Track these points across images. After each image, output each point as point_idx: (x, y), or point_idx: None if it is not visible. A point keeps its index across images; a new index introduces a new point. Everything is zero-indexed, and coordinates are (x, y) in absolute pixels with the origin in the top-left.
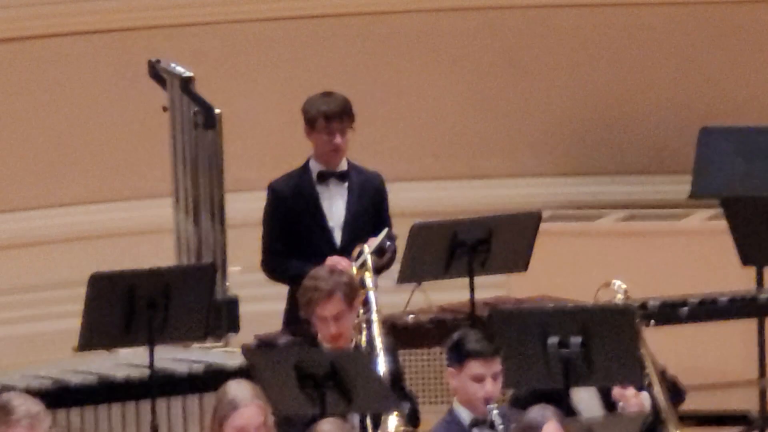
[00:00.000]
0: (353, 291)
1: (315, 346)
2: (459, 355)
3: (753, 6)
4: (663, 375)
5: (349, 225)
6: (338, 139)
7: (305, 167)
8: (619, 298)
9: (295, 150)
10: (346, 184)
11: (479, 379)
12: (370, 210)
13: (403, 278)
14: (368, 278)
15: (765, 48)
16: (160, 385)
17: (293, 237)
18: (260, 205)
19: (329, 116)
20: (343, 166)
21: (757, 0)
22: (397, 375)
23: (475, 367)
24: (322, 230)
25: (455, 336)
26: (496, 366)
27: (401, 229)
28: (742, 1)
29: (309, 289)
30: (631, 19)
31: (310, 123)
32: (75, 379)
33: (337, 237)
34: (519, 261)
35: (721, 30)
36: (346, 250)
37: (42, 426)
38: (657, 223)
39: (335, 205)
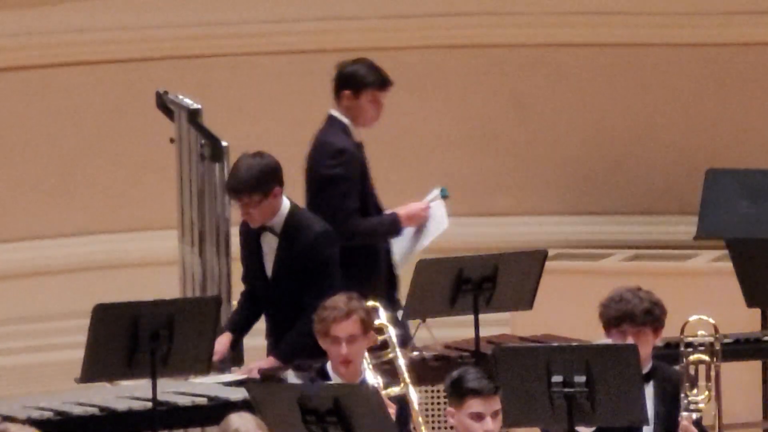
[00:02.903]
0: (370, 320)
1: (325, 378)
2: (458, 393)
3: (760, 48)
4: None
5: (275, 278)
6: (246, 214)
7: None
8: (702, 334)
9: (300, 183)
10: (277, 239)
11: (479, 417)
12: (297, 266)
13: (408, 314)
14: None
15: None
16: (163, 418)
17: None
18: None
19: (229, 193)
20: (277, 223)
21: (763, 42)
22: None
23: (474, 405)
24: (260, 277)
25: (454, 374)
26: (496, 404)
27: (407, 266)
28: (749, 43)
29: (326, 308)
30: (639, 60)
31: None
32: (77, 411)
33: (271, 285)
34: (524, 299)
35: (727, 72)
36: (275, 298)
37: None
38: (662, 263)
39: (269, 257)
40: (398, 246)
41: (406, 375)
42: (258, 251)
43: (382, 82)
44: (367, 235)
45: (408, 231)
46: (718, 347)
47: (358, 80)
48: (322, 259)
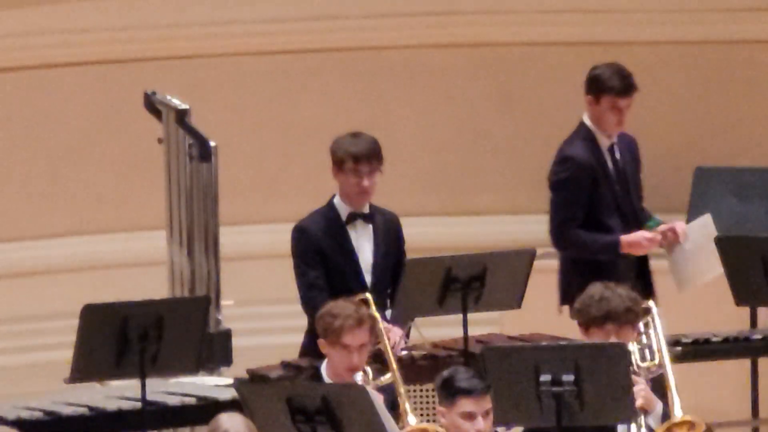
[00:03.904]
0: (375, 324)
1: (318, 380)
2: (449, 393)
3: (748, 46)
4: None
5: (377, 267)
6: (366, 182)
7: (331, 207)
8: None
9: (289, 183)
10: (371, 225)
11: (470, 417)
12: (393, 251)
13: (397, 313)
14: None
15: (760, 88)
16: (152, 418)
17: (326, 276)
18: (254, 238)
19: (358, 158)
20: (367, 207)
21: (752, 40)
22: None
23: (466, 404)
24: (353, 271)
25: (445, 373)
26: (487, 403)
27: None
28: (738, 41)
29: (336, 316)
30: (626, 58)
31: (338, 164)
32: (66, 411)
33: (367, 278)
34: (513, 298)
35: (716, 70)
36: (375, 291)
37: None
38: (652, 261)
39: (363, 247)
40: (680, 269)
41: (394, 364)
42: (348, 246)
43: (623, 89)
44: (577, 248)
45: (692, 253)
46: (652, 318)
47: (598, 85)
48: (403, 237)
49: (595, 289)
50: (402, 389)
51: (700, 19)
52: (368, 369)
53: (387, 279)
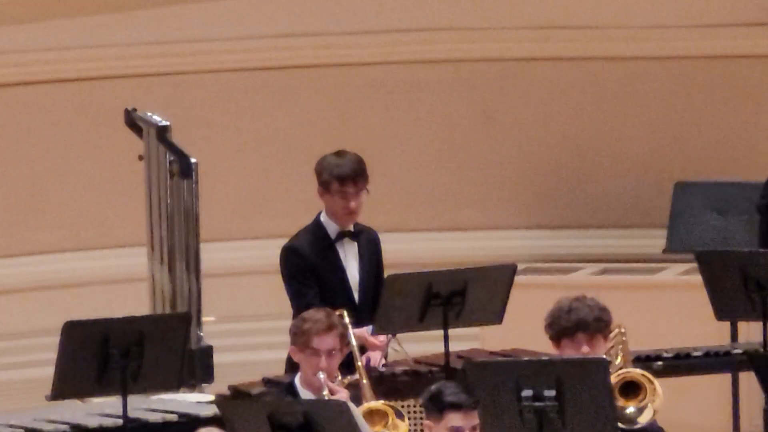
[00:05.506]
0: (346, 335)
1: (292, 393)
2: (437, 407)
3: (727, 61)
4: None
5: (363, 284)
6: (353, 204)
7: (319, 225)
8: (616, 332)
9: (270, 200)
10: (356, 243)
11: None
12: (374, 267)
13: (378, 329)
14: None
15: (738, 103)
16: None
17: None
18: (235, 254)
19: (344, 180)
20: (352, 224)
21: (732, 55)
22: None
23: (454, 419)
24: (342, 289)
25: (433, 388)
26: (475, 418)
27: None
28: (716, 56)
29: (307, 320)
30: (606, 73)
31: (324, 185)
32: (47, 428)
33: (355, 296)
34: (493, 313)
35: (695, 85)
36: (363, 308)
37: None
38: (632, 276)
39: (350, 265)
40: None
41: (360, 363)
42: (339, 264)
43: None
44: None
45: None
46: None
47: None
48: (382, 256)
49: (564, 301)
50: (366, 380)
51: (681, 35)
52: (337, 373)
53: (371, 295)
